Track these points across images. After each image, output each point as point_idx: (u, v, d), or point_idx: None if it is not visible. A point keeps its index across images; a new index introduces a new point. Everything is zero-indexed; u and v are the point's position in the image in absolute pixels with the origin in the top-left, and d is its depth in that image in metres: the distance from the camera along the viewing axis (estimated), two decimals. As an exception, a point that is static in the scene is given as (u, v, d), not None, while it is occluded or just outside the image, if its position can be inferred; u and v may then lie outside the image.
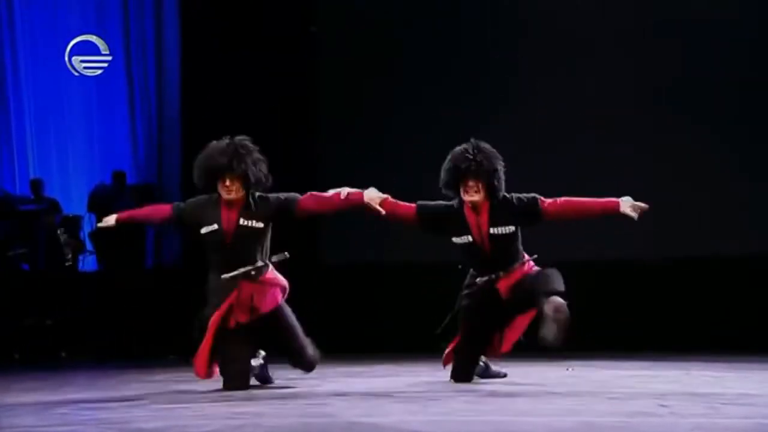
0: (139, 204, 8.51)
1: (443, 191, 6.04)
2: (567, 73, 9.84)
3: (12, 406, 5.40)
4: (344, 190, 5.96)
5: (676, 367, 7.04)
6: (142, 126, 11.82)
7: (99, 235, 10.98)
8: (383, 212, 5.98)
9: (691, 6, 9.73)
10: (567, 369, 6.82)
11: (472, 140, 6.01)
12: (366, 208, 5.98)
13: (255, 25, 10.55)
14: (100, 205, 10.75)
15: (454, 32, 10.11)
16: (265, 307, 5.88)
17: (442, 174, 6.00)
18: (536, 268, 6.01)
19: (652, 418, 4.44)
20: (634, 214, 5.87)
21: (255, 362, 6.01)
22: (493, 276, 5.95)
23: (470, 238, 5.94)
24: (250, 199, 5.89)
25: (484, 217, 5.94)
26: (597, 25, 9.88)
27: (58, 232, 10.56)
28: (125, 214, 6.29)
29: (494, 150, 5.99)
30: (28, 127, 11.79)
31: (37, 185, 11.21)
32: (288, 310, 6.00)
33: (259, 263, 5.86)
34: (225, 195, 5.83)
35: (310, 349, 6.05)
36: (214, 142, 5.93)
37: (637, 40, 9.81)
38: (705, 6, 9.70)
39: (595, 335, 8.55)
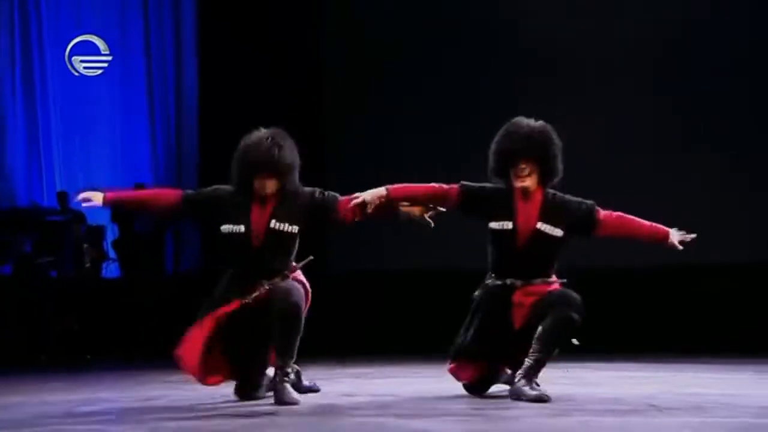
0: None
1: (491, 179, 5.28)
2: (572, 78, 9.91)
3: (40, 404, 5.47)
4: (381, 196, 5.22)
5: (668, 369, 7.12)
6: (162, 139, 11.91)
7: (121, 242, 11.25)
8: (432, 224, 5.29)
9: (709, 10, 9.86)
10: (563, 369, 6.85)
11: (524, 119, 5.21)
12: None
13: (271, 32, 10.59)
14: (122, 215, 11.02)
15: (460, 33, 10.15)
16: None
17: (490, 157, 5.21)
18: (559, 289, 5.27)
19: (643, 417, 4.54)
20: (680, 247, 5.30)
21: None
22: (509, 282, 5.20)
23: (510, 226, 5.14)
24: (284, 196, 5.21)
25: (535, 208, 5.15)
26: (601, 34, 9.98)
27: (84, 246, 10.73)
28: (115, 194, 5.53)
29: (554, 133, 5.20)
30: (54, 143, 11.87)
31: (63, 197, 11.36)
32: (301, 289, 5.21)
33: (277, 280, 5.19)
34: (260, 191, 5.17)
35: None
36: (254, 134, 5.29)
37: (645, 47, 9.89)
38: (718, 10, 9.84)
39: (592, 337, 8.72)
